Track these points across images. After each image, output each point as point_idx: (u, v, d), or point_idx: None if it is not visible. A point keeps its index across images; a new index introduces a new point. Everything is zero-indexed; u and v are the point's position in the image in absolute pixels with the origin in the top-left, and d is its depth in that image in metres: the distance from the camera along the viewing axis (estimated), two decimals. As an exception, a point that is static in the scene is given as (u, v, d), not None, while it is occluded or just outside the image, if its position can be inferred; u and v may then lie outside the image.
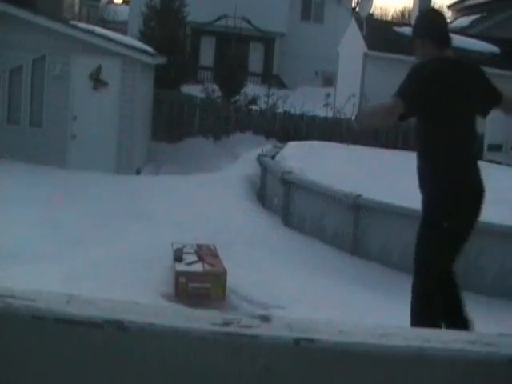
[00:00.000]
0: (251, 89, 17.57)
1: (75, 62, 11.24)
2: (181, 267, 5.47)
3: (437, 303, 3.80)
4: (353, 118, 3.67)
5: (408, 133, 12.70)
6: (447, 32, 3.83)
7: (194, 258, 5.69)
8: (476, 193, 3.70)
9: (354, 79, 16.36)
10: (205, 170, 10.73)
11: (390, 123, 4.04)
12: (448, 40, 3.78)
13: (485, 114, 3.94)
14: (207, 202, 8.30)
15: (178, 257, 5.62)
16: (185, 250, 5.78)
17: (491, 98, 3.81)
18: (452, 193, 3.67)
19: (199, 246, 5.98)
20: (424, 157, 3.77)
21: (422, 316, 3.78)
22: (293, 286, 5.78)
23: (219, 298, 5.30)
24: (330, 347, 0.92)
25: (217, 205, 8.17)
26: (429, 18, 4.05)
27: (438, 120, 3.66)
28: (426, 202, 3.76)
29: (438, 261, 3.78)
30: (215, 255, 5.83)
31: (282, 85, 24.10)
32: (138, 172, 11.55)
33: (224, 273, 5.40)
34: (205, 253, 5.83)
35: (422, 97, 3.59)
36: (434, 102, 3.60)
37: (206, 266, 5.52)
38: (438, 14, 4.25)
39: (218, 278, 5.36)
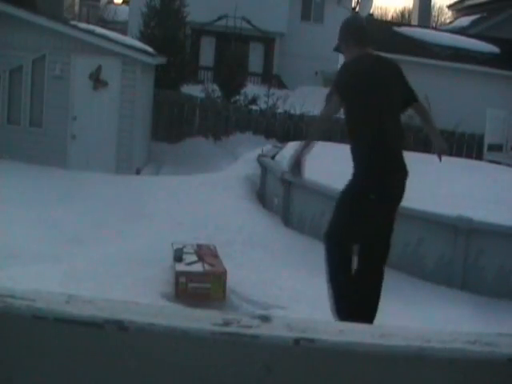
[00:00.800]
0: (251, 89, 17.53)
1: (75, 62, 11.25)
2: (181, 267, 5.47)
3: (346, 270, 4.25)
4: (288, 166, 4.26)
5: (407, 133, 12.68)
6: (365, 33, 4.47)
7: (194, 258, 5.69)
8: (401, 172, 4.18)
9: (354, 79, 16.34)
10: (205, 170, 10.72)
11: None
12: (366, 39, 4.40)
13: (401, 110, 4.39)
14: (207, 202, 8.29)
15: (178, 257, 5.62)
16: (185, 250, 5.78)
17: (407, 97, 4.33)
18: (380, 169, 4.12)
19: (199, 246, 5.98)
20: (354, 139, 4.29)
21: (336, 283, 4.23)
22: (293, 286, 5.78)
23: (219, 297, 5.30)
24: (329, 347, 0.92)
25: (217, 205, 8.16)
26: (348, 23, 4.65)
27: (362, 107, 4.17)
28: (357, 175, 4.20)
29: (356, 229, 4.18)
30: (215, 255, 5.83)
31: (281, 85, 24.09)
32: (138, 172, 11.54)
33: (224, 273, 5.40)
34: (205, 253, 5.83)
35: (349, 87, 4.17)
36: (360, 90, 4.15)
37: (206, 266, 5.52)
38: (355, 19, 5.18)
39: (217, 278, 5.36)
